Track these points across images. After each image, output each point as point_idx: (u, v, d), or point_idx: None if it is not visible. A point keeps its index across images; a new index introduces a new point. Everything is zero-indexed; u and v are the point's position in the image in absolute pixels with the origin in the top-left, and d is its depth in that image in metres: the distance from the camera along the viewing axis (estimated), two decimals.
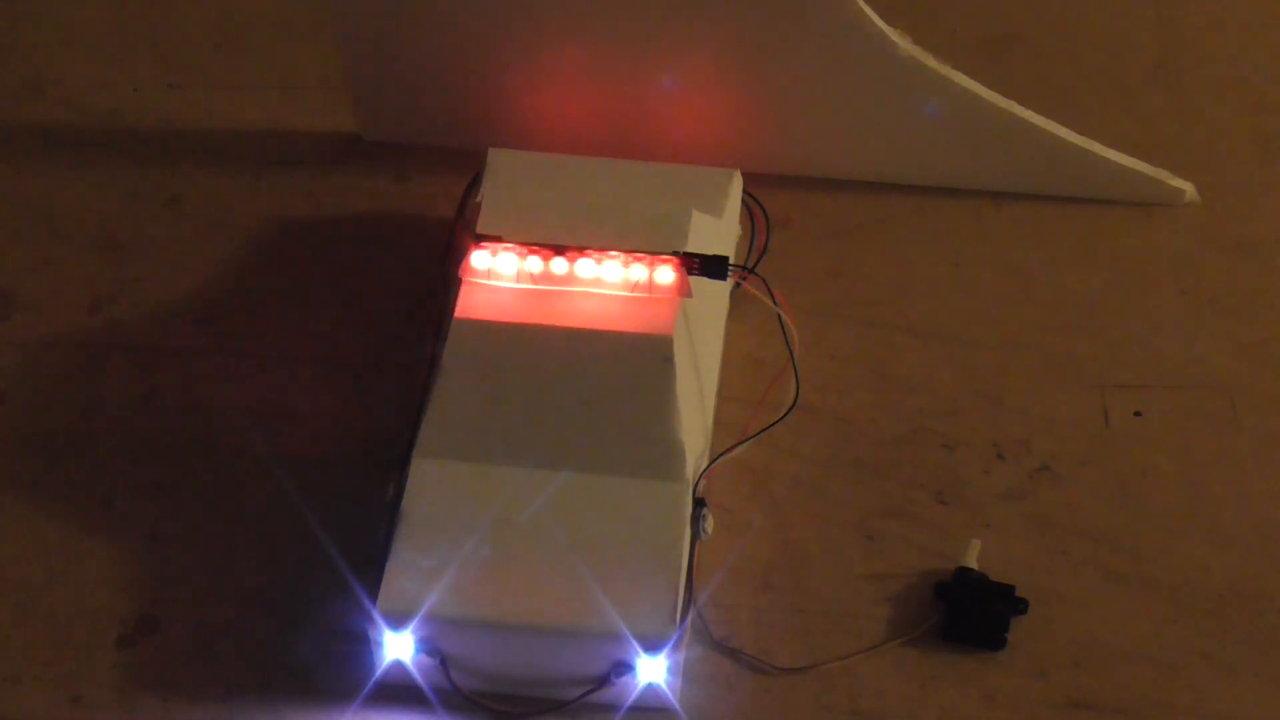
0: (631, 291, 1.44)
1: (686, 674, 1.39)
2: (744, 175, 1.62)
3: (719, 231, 1.54)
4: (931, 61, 1.65)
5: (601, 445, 1.41)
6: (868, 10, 1.62)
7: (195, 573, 1.47)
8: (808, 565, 1.47)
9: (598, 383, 1.42)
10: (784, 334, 1.53)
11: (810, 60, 1.65)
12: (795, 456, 1.54)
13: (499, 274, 1.44)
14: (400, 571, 1.36)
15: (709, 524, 1.41)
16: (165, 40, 1.89)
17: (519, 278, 1.44)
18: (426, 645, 1.35)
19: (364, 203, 1.74)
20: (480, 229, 1.48)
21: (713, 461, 1.47)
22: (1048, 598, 1.45)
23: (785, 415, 1.52)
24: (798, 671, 1.41)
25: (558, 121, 1.72)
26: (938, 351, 1.62)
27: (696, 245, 1.47)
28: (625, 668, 1.35)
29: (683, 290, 1.43)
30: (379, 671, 1.37)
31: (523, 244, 1.44)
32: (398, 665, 1.37)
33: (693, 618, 1.40)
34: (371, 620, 1.35)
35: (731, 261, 1.51)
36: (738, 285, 1.56)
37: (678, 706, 1.38)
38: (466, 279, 1.45)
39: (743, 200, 1.62)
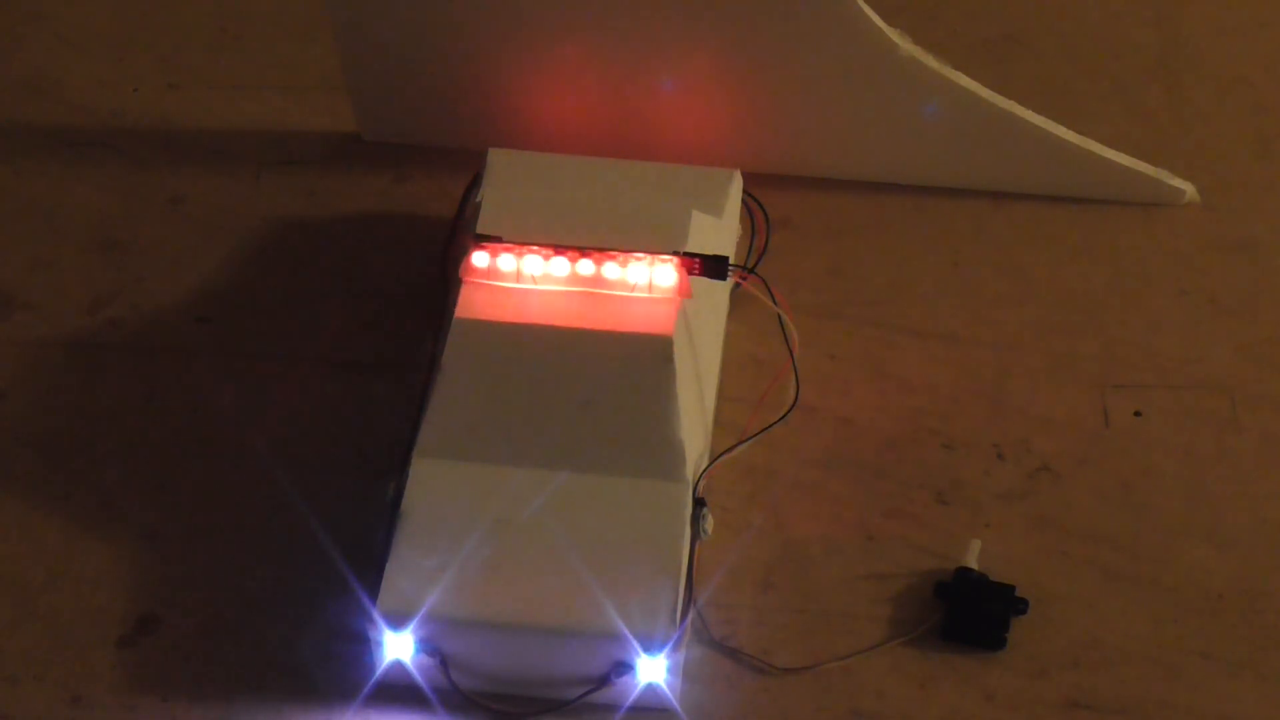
0: (631, 291, 1.44)
1: (686, 674, 1.39)
2: (744, 175, 1.62)
3: (719, 231, 1.54)
4: (931, 61, 1.65)
5: (601, 445, 1.41)
6: (868, 10, 1.62)
7: (195, 573, 1.47)
8: (808, 565, 1.47)
9: (598, 383, 1.42)
10: (784, 334, 1.54)
11: (810, 60, 1.65)
12: (795, 456, 1.54)
13: (499, 274, 1.44)
14: (400, 571, 1.36)
15: (709, 524, 1.41)
16: (165, 40, 1.89)
17: (519, 278, 1.44)
18: (426, 645, 1.35)
19: (364, 203, 1.74)
20: (480, 229, 1.48)
21: (713, 461, 1.47)
22: (1048, 598, 1.45)
23: (785, 415, 1.52)
24: (798, 671, 1.41)
25: (558, 121, 1.72)
26: (938, 351, 1.62)
27: (696, 245, 1.47)
28: (625, 668, 1.35)
29: (683, 290, 1.43)
30: (379, 671, 1.37)
31: (523, 244, 1.44)
32: (398, 665, 1.37)
33: (693, 618, 1.40)
34: (371, 620, 1.35)
35: (731, 261, 1.51)
36: (738, 285, 1.56)
37: (678, 706, 1.38)
38: (466, 279, 1.45)
39: (743, 200, 1.62)
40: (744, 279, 1.53)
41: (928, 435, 1.56)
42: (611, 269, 1.44)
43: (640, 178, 1.59)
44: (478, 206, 1.53)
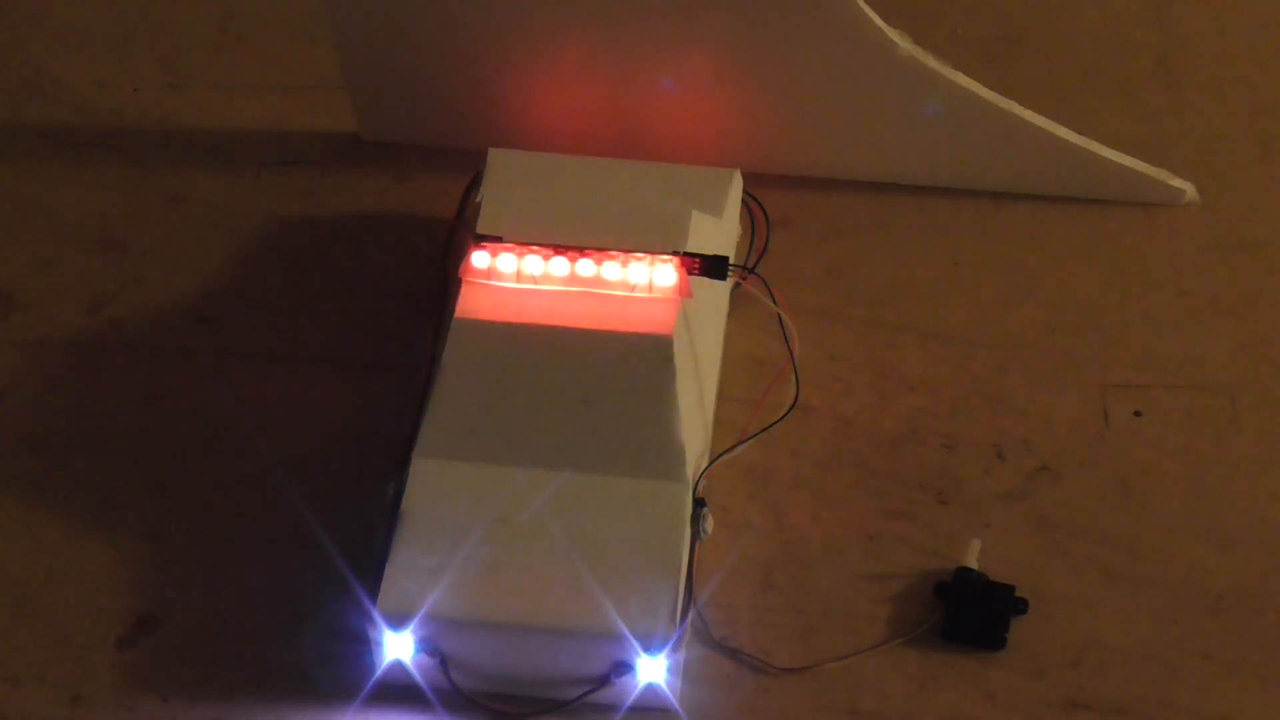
0: (631, 291, 1.44)
1: (686, 674, 1.39)
2: (744, 175, 1.62)
3: (719, 231, 1.54)
4: (931, 61, 1.65)
5: (601, 445, 1.41)
6: (868, 10, 1.62)
7: (195, 573, 1.47)
8: (808, 565, 1.47)
9: (598, 383, 1.42)
10: (784, 334, 1.53)
11: (810, 60, 1.65)
12: (795, 456, 1.54)
13: (499, 274, 1.44)
14: (400, 571, 1.36)
15: (709, 524, 1.41)
16: (165, 40, 1.89)
17: (519, 278, 1.44)
18: (426, 645, 1.35)
19: (364, 203, 1.74)
20: (480, 229, 1.48)
21: (713, 461, 1.47)
22: (1048, 598, 1.45)
23: (785, 415, 1.52)
24: (798, 671, 1.41)
25: (558, 121, 1.72)
26: (938, 351, 1.62)
27: (696, 245, 1.47)
28: (625, 668, 1.35)
29: (683, 290, 1.43)
30: (379, 671, 1.37)
31: (523, 244, 1.44)
32: (398, 665, 1.37)
33: (693, 618, 1.40)
34: (371, 620, 1.35)
35: (731, 261, 1.51)
36: (738, 285, 1.56)
37: (678, 706, 1.38)
38: (466, 279, 1.45)
39: (743, 200, 1.62)
40: (744, 279, 1.53)
41: (928, 435, 1.56)
42: (611, 269, 1.44)
43: (640, 178, 1.59)
44: (478, 206, 1.53)
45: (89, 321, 1.64)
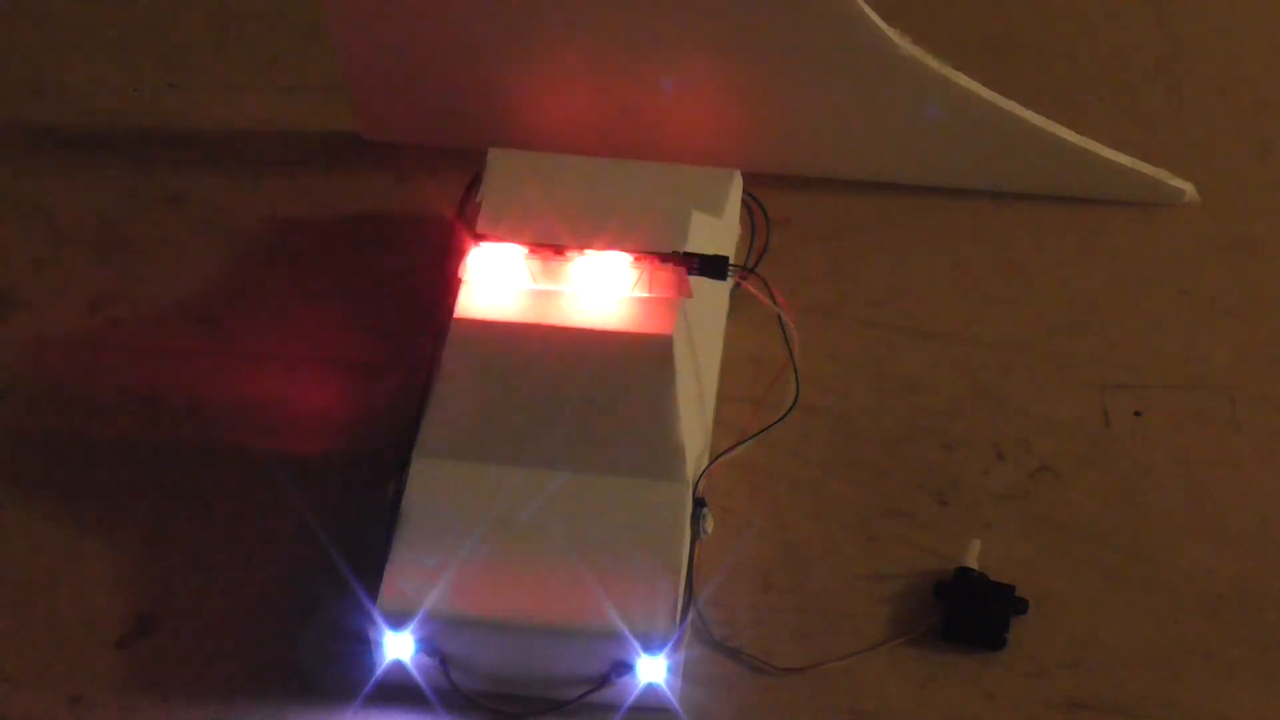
0: (631, 291, 1.44)
1: (686, 674, 1.39)
2: (744, 175, 1.62)
3: (719, 231, 1.54)
4: (931, 61, 1.65)
5: (601, 445, 1.41)
6: (868, 10, 1.62)
7: (195, 573, 1.47)
8: (808, 565, 1.47)
9: (598, 383, 1.42)
10: (784, 334, 1.54)
11: (810, 60, 1.65)
12: (795, 456, 1.54)
13: (499, 274, 1.44)
14: (400, 571, 1.36)
15: (709, 524, 1.41)
16: (165, 40, 1.89)
17: (519, 278, 1.44)
18: (426, 645, 1.35)
19: (364, 203, 1.74)
20: (480, 229, 1.48)
21: (713, 461, 1.47)
22: (1048, 598, 1.45)
23: (785, 415, 1.52)
24: (798, 671, 1.41)
25: (558, 121, 1.72)
26: (938, 351, 1.62)
27: (696, 245, 1.47)
28: (625, 668, 1.35)
29: (683, 290, 1.43)
30: (379, 671, 1.37)
31: (523, 244, 1.44)
32: (398, 665, 1.37)
33: (693, 618, 1.40)
34: (371, 620, 1.35)
35: (731, 261, 1.51)
36: (738, 285, 1.56)
37: (678, 706, 1.38)
38: (466, 279, 1.45)
39: (743, 200, 1.62)
40: (744, 279, 1.53)
41: (928, 435, 1.56)
42: (611, 269, 1.44)
43: (640, 178, 1.59)
44: (478, 206, 1.53)
45: (89, 321, 1.64)
